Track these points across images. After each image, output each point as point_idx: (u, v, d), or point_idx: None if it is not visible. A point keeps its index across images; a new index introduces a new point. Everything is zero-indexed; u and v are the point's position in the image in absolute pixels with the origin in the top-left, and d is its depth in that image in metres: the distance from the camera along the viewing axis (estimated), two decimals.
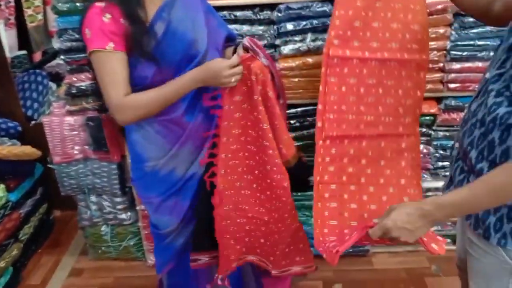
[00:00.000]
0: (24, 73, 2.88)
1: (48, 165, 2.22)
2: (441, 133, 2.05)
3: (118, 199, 2.24)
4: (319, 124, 1.31)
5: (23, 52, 3.60)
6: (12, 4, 3.60)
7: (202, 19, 1.37)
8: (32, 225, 2.42)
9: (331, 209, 1.36)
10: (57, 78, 2.96)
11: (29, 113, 2.68)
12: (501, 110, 0.99)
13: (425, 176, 2.12)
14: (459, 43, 1.87)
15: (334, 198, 1.36)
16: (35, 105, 2.73)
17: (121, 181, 2.18)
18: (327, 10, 1.80)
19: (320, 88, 1.30)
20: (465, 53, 1.89)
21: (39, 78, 2.83)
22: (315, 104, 1.34)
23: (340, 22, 1.28)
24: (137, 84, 1.30)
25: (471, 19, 1.82)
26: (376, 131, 1.36)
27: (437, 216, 1.04)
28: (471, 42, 1.87)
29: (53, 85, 2.89)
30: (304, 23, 1.83)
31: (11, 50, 3.56)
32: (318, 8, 1.80)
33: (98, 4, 1.23)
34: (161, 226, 1.57)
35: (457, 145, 1.18)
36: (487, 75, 1.07)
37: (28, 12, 3.64)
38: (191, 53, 1.33)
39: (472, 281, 1.22)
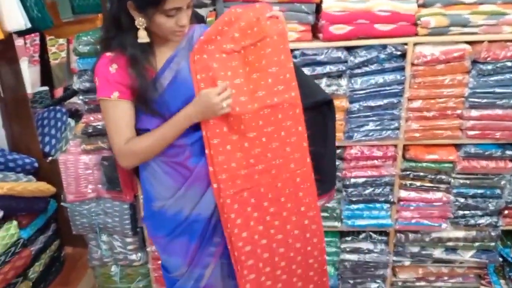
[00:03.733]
0: (44, 110, 2.94)
1: (62, 204, 2.23)
2: (461, 181, 1.98)
3: (129, 239, 2.22)
4: (215, 185, 1.36)
5: (45, 88, 3.71)
6: (37, 42, 3.75)
7: None
8: (42, 262, 2.39)
9: (247, 252, 1.43)
10: (76, 114, 3.02)
11: (46, 149, 2.71)
12: None
13: (445, 225, 2.04)
14: (478, 90, 1.84)
15: (247, 243, 1.43)
16: (53, 141, 2.77)
17: (132, 221, 2.16)
18: (342, 56, 1.82)
19: (206, 151, 1.33)
20: (484, 101, 1.85)
21: (59, 115, 2.88)
22: None
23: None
24: (142, 130, 1.34)
25: (489, 67, 1.80)
26: (270, 176, 1.41)
27: None
28: (490, 90, 1.84)
29: (71, 121, 2.94)
30: (319, 68, 1.83)
31: (33, 86, 3.70)
32: (333, 54, 1.81)
33: (108, 54, 1.28)
34: (170, 269, 1.55)
35: None
36: None
37: (52, 49, 3.78)
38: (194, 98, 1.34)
39: None
